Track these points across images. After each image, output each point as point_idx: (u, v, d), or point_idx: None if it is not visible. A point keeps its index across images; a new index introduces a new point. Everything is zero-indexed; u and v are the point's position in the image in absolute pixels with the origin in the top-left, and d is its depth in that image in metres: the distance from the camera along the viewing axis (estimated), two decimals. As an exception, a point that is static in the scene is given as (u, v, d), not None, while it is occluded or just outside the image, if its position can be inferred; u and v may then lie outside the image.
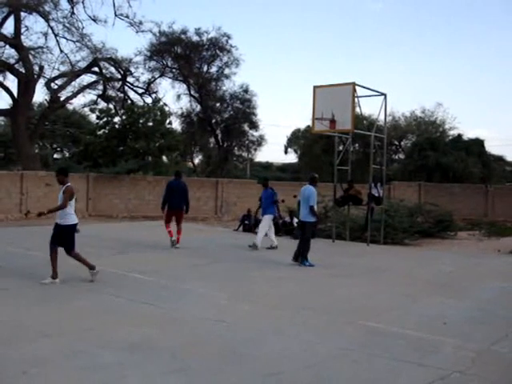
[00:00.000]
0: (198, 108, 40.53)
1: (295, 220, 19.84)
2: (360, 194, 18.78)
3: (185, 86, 39.67)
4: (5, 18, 27.80)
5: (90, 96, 34.10)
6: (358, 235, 18.92)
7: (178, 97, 40.39)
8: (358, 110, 18.25)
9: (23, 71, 28.66)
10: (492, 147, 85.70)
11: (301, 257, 13.01)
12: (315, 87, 18.04)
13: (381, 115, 19.22)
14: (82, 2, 29.35)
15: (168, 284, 10.06)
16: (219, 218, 27.51)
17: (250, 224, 21.15)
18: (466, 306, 9.09)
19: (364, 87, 17.85)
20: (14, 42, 28.14)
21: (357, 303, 9.05)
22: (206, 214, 27.42)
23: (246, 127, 41.60)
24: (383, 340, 6.88)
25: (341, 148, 21.33)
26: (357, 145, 41.29)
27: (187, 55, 38.17)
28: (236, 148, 43.70)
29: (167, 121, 35.35)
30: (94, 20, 29.92)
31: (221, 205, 28.17)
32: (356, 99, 17.50)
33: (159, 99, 34.62)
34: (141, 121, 33.77)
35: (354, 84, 17.29)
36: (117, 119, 34.41)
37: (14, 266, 11.50)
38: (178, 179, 15.63)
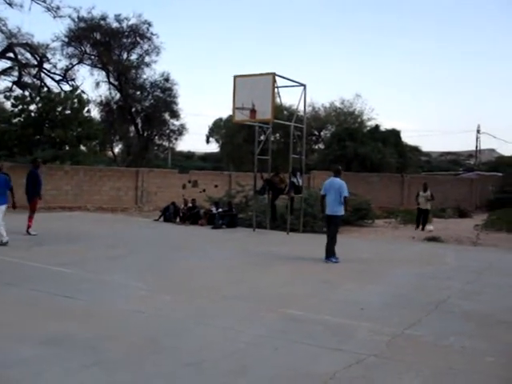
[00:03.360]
0: (118, 96, 39.84)
1: (216, 210, 19.89)
2: (283, 182, 19.00)
3: (104, 73, 38.87)
4: None
5: (4, 83, 33.01)
6: (278, 224, 19.15)
7: (97, 84, 39.59)
8: (278, 100, 18.48)
9: None
10: (408, 138, 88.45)
11: (328, 252, 12.45)
12: (235, 77, 18.09)
13: (300, 106, 19.48)
14: (-3, -14, 28.24)
15: (88, 276, 9.89)
16: (140, 208, 27.19)
17: (170, 214, 21.04)
18: (382, 292, 9.37)
19: (284, 77, 18.02)
20: None
21: (277, 291, 9.17)
22: (127, 205, 27.05)
23: (166, 116, 41.21)
24: (302, 326, 7.02)
25: (262, 138, 21.46)
26: (277, 135, 41.72)
27: (107, 42, 37.39)
28: (157, 137, 43.23)
29: (85, 109, 34.54)
30: (10, 4, 28.89)
31: (141, 195, 27.84)
32: (276, 89, 17.66)
33: (77, 87, 33.75)
34: (58, 109, 32.84)
35: (273, 74, 17.43)
36: (33, 107, 33.30)
37: None
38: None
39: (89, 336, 6.35)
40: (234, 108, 17.90)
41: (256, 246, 15.20)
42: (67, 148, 32.66)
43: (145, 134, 40.89)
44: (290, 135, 19.28)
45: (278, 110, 24.80)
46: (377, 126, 44.13)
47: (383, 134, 42.11)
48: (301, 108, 19.97)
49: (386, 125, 46.16)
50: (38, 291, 8.53)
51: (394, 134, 43.19)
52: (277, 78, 17.54)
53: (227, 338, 6.44)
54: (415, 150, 51.06)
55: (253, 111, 17.34)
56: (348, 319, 7.40)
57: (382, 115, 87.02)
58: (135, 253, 13.12)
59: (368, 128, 45.40)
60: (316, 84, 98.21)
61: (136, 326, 6.86)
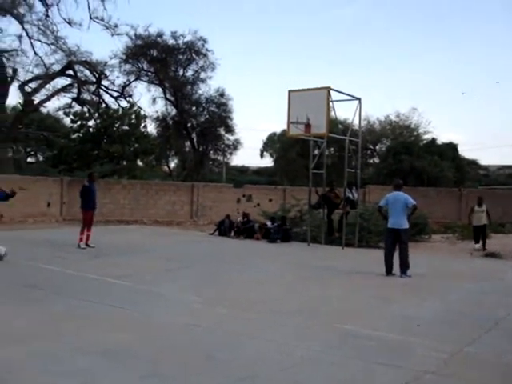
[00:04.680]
0: (174, 112, 40.41)
1: (272, 224, 19.86)
2: (338, 198, 18.86)
3: (160, 89, 39.52)
4: (-22, 21, 27.53)
5: (64, 99, 33.79)
6: (334, 238, 18.99)
7: (154, 100, 40.25)
8: (332, 114, 18.36)
9: (-3, 74, 28.37)
10: (465, 151, 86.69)
11: (402, 268, 12.34)
12: (290, 91, 18.11)
13: (355, 119, 19.35)
14: (57, 5, 29.07)
15: (144, 289, 10.00)
16: (195, 222, 27.43)
17: (225, 228, 21.13)
18: (439, 308, 9.17)
19: (339, 91, 17.95)
20: (-13, 44, 27.87)
21: (332, 306, 9.09)
22: (182, 219, 27.32)
23: (221, 131, 41.55)
24: (358, 342, 6.91)
25: (316, 152, 21.39)
26: (332, 149, 41.51)
27: (163, 58, 38.02)
28: (212, 152, 43.59)
29: (142, 125, 35.20)
30: (69, 23, 29.65)
31: (196, 209, 28.08)
32: (331, 103, 17.61)
33: (134, 103, 34.44)
34: (116, 125, 33.59)
35: (328, 88, 17.39)
36: (91, 123, 34.15)
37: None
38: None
39: (145, 348, 6.41)
40: (289, 122, 17.91)
41: (311, 261, 15.11)
42: (124, 163, 33.33)
43: (200, 149, 41.29)
44: (344, 149, 19.15)
45: (333, 124, 24.71)
46: (433, 140, 43.40)
47: (440, 148, 41.38)
48: (356, 122, 19.87)
49: (442, 138, 45.47)
50: (95, 303, 8.67)
51: (451, 148, 42.40)
52: (331, 91, 17.50)
53: (282, 353, 6.38)
54: (473, 163, 49.98)
55: (307, 125, 17.32)
56: (404, 335, 7.25)
57: (438, 128, 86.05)
58: (191, 266, 13.22)
59: (424, 141, 44.69)
60: (371, 97, 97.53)
61: (192, 339, 6.89)
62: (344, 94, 18.30)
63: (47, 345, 6.42)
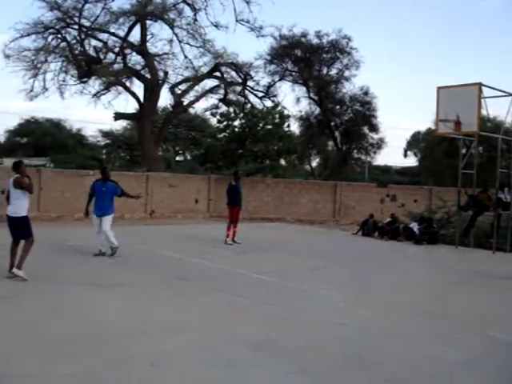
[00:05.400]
0: (318, 111, 40.44)
1: (419, 225, 19.26)
2: (490, 199, 17.93)
3: (304, 88, 39.71)
4: (132, 26, 29.07)
5: (211, 100, 34.89)
6: (483, 242, 18.09)
7: (298, 100, 40.51)
8: (483, 111, 17.51)
9: (149, 77, 29.84)
10: None
11: None
12: (439, 88, 17.51)
13: (509, 117, 18.29)
14: (205, 9, 30.08)
15: (289, 285, 10.10)
16: (337, 221, 27.28)
17: (369, 228, 20.81)
18: None
19: (491, 87, 17.07)
20: (140, 49, 29.38)
21: (480, 311, 8.66)
22: (324, 218, 27.28)
23: (365, 130, 40.99)
24: (509, 351, 6.53)
25: (464, 151, 20.47)
26: (480, 148, 39.62)
27: (307, 58, 38.18)
28: (355, 151, 43.12)
29: (286, 124, 35.58)
30: (216, 26, 30.59)
31: (339, 208, 27.93)
32: (482, 100, 16.80)
33: (278, 103, 34.89)
34: (260, 124, 34.23)
35: (480, 84, 16.61)
36: (236, 123, 35.05)
37: (141, 263, 11.98)
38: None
39: (291, 344, 6.47)
40: (438, 120, 17.33)
41: (459, 264, 14.51)
42: (267, 161, 33.87)
43: (343, 148, 41.05)
44: (494, 148, 18.19)
45: (482, 121, 23.57)
46: None
47: None
48: (509, 119, 18.78)
49: None
50: (242, 297, 8.89)
51: None
52: (483, 87, 16.69)
53: (430, 357, 6.19)
54: None
55: (457, 123, 16.64)
56: None
57: None
58: (334, 265, 13.16)
59: None
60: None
61: (338, 338, 6.86)
62: (496, 89, 17.36)
63: (198, 336, 6.65)
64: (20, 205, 9.78)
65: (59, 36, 28.66)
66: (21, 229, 9.78)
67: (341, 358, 6.04)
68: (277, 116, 34.81)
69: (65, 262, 11.52)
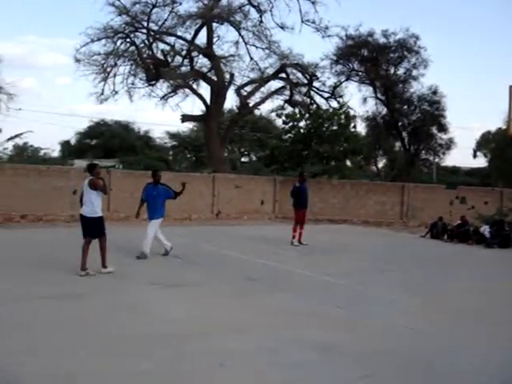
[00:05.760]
0: (385, 111, 39.92)
1: (490, 228, 18.69)
2: None
3: (371, 88, 39.26)
4: (198, 29, 29.40)
5: (277, 101, 34.91)
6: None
7: (364, 100, 40.09)
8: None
9: (215, 79, 30.09)
10: None
11: None
12: (511, 87, 16.97)
13: None
14: (270, 11, 30.14)
15: (355, 288, 9.97)
16: (404, 223, 26.78)
17: (437, 231, 20.34)
18: None
19: None
20: (207, 51, 29.67)
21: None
22: (391, 219, 26.82)
23: (434, 130, 40.14)
24: None
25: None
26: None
27: (374, 58, 37.75)
28: (423, 152, 42.31)
29: (352, 124, 35.22)
30: (282, 27, 30.59)
31: (406, 210, 27.41)
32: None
33: (345, 103, 34.58)
34: (325, 125, 33.98)
35: (557, 81, 15.98)
36: (302, 124, 34.92)
37: (208, 263, 12.06)
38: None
39: (357, 347, 6.37)
40: (510, 119, 16.79)
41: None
42: (333, 163, 33.60)
43: (411, 149, 40.35)
44: None
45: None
46: None
47: None
48: None
49: None
50: (308, 299, 8.82)
51: None
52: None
53: (505, 366, 5.95)
54: None
55: (531, 122, 16.10)
56: None
57: None
58: (402, 268, 12.90)
59: None
60: None
61: (406, 343, 6.70)
62: None
63: (264, 336, 6.63)
64: (95, 205, 10.13)
65: (128, 40, 29.29)
66: (95, 228, 10.17)
67: (412, 365, 5.90)
68: (342, 117, 34.51)
69: (134, 262, 11.71)
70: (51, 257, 11.76)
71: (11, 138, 22.82)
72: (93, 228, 10.18)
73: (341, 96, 35.21)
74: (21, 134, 25.86)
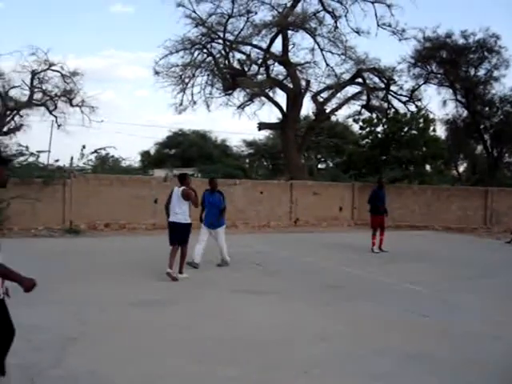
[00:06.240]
0: (465, 113, 38.83)
1: None
2: None
3: (451, 91, 38.30)
4: (274, 37, 29.51)
5: (353, 107, 34.59)
6: None
7: (444, 103, 39.10)
8: None
9: (291, 86, 30.13)
10: None
11: None
12: None
13: None
14: (345, 16, 29.87)
15: (440, 296, 9.75)
16: (489, 229, 25.94)
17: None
18: None
19: None
20: (283, 59, 29.72)
21: None
22: (474, 225, 26.03)
23: (516, 133, 38.71)
24: None
25: None
26: None
27: (453, 59, 36.79)
28: (506, 155, 40.87)
29: (431, 128, 34.51)
30: (357, 32, 30.30)
31: (490, 215, 26.54)
32: None
33: (423, 107, 33.94)
34: (404, 129, 33.45)
35: None
36: (379, 129, 34.49)
37: (288, 270, 12.06)
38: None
39: (447, 357, 6.21)
40: None
41: None
42: (412, 168, 33.00)
43: (493, 152, 39.06)
44: None
45: None
46: None
47: None
48: None
49: None
50: (390, 307, 8.67)
51: None
52: None
53: None
54: None
55: None
56: None
57: None
58: (487, 276, 12.48)
59: None
60: None
61: (496, 353, 6.46)
62: None
63: (349, 344, 6.56)
64: (185, 213, 10.70)
65: (205, 51, 29.75)
66: (182, 235, 10.66)
67: (501, 373, 5.69)
68: (421, 120, 33.87)
69: (215, 269, 11.87)
70: (136, 263, 12.08)
71: (95, 151, 23.61)
72: (181, 235, 10.68)
73: (419, 99, 34.51)
74: (104, 147, 26.69)
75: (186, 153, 50.51)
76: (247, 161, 53.25)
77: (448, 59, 36.59)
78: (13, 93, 34.74)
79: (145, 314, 7.74)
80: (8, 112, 34.44)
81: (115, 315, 7.62)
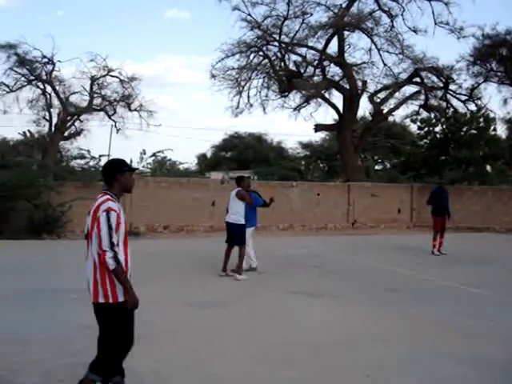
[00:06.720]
0: (529, 111, 37.81)
1: None
2: None
3: (511, 89, 37.34)
4: (329, 39, 29.37)
5: (411, 107, 34.09)
6: None
7: (505, 101, 38.11)
8: None
9: (348, 87, 29.91)
10: None
11: None
12: None
13: None
14: (402, 15, 29.46)
15: (505, 300, 9.52)
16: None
17: None
18: None
19: None
20: (339, 60, 29.53)
21: None
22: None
23: None
24: None
25: None
26: None
27: (513, 56, 35.91)
28: None
29: (491, 128, 33.70)
30: (414, 31, 29.85)
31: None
32: None
33: (483, 106, 33.15)
34: (463, 129, 32.78)
35: None
36: (438, 129, 33.89)
37: (346, 273, 11.99)
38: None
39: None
40: None
41: None
42: (472, 168, 32.29)
43: None
44: None
45: None
46: None
47: None
48: None
49: None
50: (452, 310, 8.48)
51: None
52: None
53: None
54: None
55: None
56: None
57: None
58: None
59: None
60: None
61: None
62: None
63: (411, 347, 6.47)
64: (239, 214, 10.89)
65: (261, 53, 29.85)
66: (237, 236, 10.86)
67: None
68: (481, 120, 33.12)
69: (272, 270, 11.88)
70: (195, 265, 12.24)
71: (153, 155, 24.10)
72: (236, 235, 10.87)
73: (479, 98, 33.71)
74: (161, 150, 27.17)
75: (242, 155, 50.77)
76: (303, 163, 53.12)
77: (508, 56, 35.63)
78: (73, 98, 35.87)
79: (205, 315, 7.83)
80: (69, 117, 35.42)
81: (177, 316, 7.74)
